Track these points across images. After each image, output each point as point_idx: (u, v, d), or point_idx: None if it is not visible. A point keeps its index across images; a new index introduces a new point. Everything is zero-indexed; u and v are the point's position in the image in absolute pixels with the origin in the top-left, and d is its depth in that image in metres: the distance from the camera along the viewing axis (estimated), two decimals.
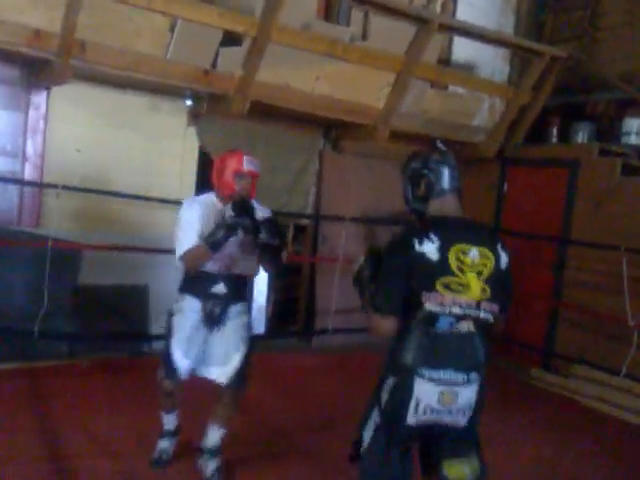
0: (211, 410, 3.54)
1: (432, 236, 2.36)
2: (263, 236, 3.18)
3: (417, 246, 2.35)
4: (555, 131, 6.95)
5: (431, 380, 2.32)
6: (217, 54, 5.38)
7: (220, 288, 3.36)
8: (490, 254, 2.42)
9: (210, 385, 3.46)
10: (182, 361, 3.37)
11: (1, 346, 4.94)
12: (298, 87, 5.71)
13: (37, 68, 5.05)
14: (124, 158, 5.69)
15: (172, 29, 5.15)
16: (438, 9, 6.94)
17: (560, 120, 6.93)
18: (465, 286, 2.35)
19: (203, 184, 6.24)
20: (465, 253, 2.37)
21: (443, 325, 2.34)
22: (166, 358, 3.41)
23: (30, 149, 5.33)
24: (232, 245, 3.28)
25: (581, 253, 6.20)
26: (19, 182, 5.32)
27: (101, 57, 4.85)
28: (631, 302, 5.43)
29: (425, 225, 2.44)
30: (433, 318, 2.34)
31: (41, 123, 5.34)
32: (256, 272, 3.56)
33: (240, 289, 3.48)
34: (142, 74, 5.09)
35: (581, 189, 6.31)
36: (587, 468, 4.20)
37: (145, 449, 3.77)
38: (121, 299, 5.64)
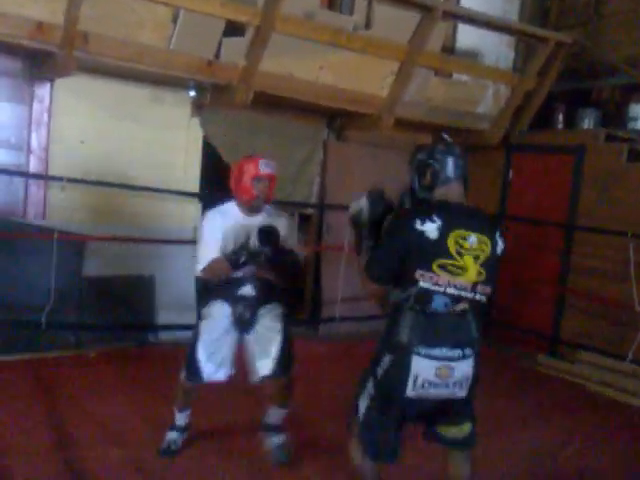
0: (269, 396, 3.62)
1: (434, 217, 2.47)
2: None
3: (418, 225, 2.46)
4: (561, 117, 6.91)
5: (428, 357, 2.47)
6: (220, 44, 5.35)
7: (248, 290, 3.41)
8: (488, 240, 2.55)
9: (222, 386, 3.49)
10: (205, 365, 3.40)
11: (9, 338, 4.98)
12: (302, 77, 5.69)
13: (40, 60, 5.05)
14: (128, 150, 5.69)
15: (175, 20, 5.12)
16: None
17: (565, 106, 6.90)
18: (462, 269, 2.48)
19: (207, 175, 6.27)
20: (464, 238, 2.49)
21: (438, 304, 2.48)
22: (190, 361, 3.44)
23: (34, 142, 5.34)
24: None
25: (587, 239, 6.18)
26: (24, 175, 5.34)
27: (104, 49, 4.85)
28: (638, 288, 5.44)
29: (429, 207, 2.55)
30: (427, 296, 2.47)
31: (45, 116, 5.35)
32: None
33: (269, 290, 3.50)
34: (145, 65, 5.08)
35: (587, 175, 6.28)
36: (593, 453, 4.20)
37: (153, 438, 3.80)
38: (127, 290, 5.66)
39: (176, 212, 6.05)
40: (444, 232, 2.46)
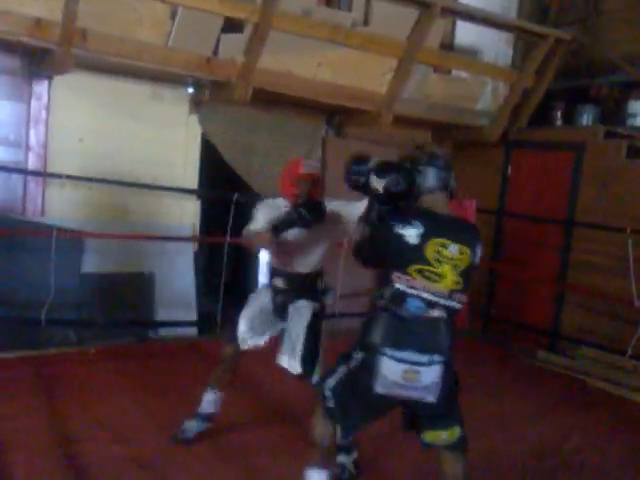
0: None
1: (415, 223, 2.56)
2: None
3: (397, 228, 2.56)
4: (560, 114, 6.91)
5: (395, 359, 2.53)
6: (218, 41, 5.35)
7: (279, 282, 3.62)
8: (468, 251, 2.62)
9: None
10: (244, 330, 3.62)
11: (9, 334, 4.98)
12: (300, 74, 5.69)
13: (38, 58, 5.05)
14: (127, 147, 5.69)
15: (173, 17, 5.13)
16: None
17: (565, 103, 6.90)
18: (440, 276, 2.55)
19: (206, 172, 6.27)
20: (445, 247, 2.56)
21: (411, 307, 2.55)
22: (232, 325, 3.68)
23: (33, 139, 5.34)
24: (290, 242, 3.48)
25: (587, 235, 6.18)
26: (23, 172, 5.34)
27: (102, 46, 4.85)
28: (637, 283, 5.44)
29: (410, 213, 2.63)
30: (401, 298, 2.55)
31: (43, 113, 5.35)
32: (316, 269, 3.67)
33: (301, 286, 3.61)
34: (143, 62, 5.08)
35: (586, 172, 6.28)
36: (594, 448, 4.20)
37: (154, 434, 3.81)
38: (127, 287, 5.66)
39: (175, 209, 6.05)
40: (424, 239, 2.54)
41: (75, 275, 5.35)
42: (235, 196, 5.84)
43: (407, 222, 2.57)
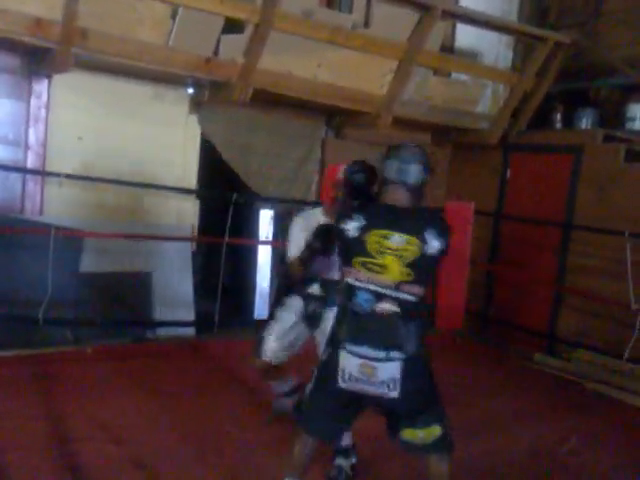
0: None
1: (357, 216, 2.61)
2: None
3: (341, 224, 2.64)
4: (559, 117, 6.91)
5: (352, 353, 2.58)
6: (219, 42, 5.35)
7: (315, 289, 3.60)
8: (415, 240, 2.57)
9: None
10: (277, 349, 3.67)
11: (6, 333, 4.98)
12: (300, 75, 5.68)
13: (38, 57, 5.06)
14: (126, 146, 5.69)
15: (174, 17, 5.12)
16: None
17: (564, 106, 6.90)
18: (383, 267, 2.55)
19: (205, 172, 6.27)
20: (387, 238, 2.56)
21: (360, 300, 2.57)
22: (259, 339, 3.73)
23: (32, 138, 5.34)
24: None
25: (584, 238, 6.18)
26: (22, 170, 5.34)
27: (102, 45, 4.84)
28: (634, 287, 5.44)
29: (355, 207, 2.71)
30: (351, 291, 2.60)
31: (43, 112, 5.35)
32: None
33: (335, 293, 3.60)
34: (143, 62, 5.08)
35: (585, 175, 6.29)
36: (590, 450, 4.21)
37: (151, 434, 3.81)
38: (125, 286, 5.67)
39: (174, 209, 6.05)
40: (364, 231, 2.57)
41: (73, 274, 5.34)
42: (234, 196, 5.84)
43: (349, 216, 2.62)
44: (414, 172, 2.65)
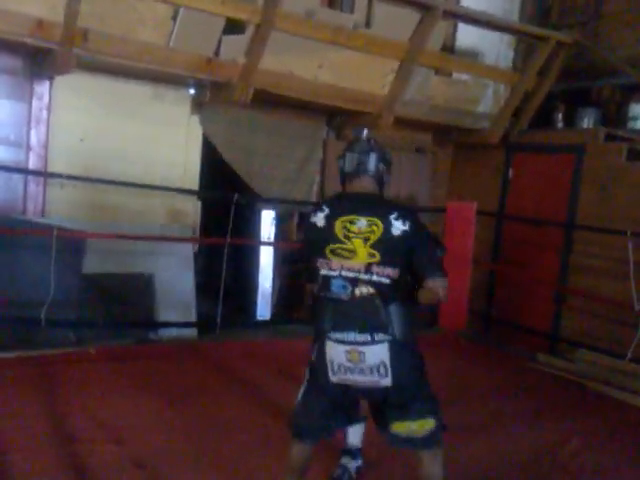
0: None
1: (324, 207, 2.72)
2: None
3: (312, 217, 2.72)
4: (560, 117, 6.91)
5: (337, 341, 2.59)
6: (220, 42, 5.36)
7: None
8: (379, 222, 2.62)
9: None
10: None
11: (9, 334, 4.98)
12: (301, 75, 5.69)
13: (40, 58, 5.06)
14: (128, 147, 5.69)
15: (175, 17, 5.13)
16: None
17: (565, 106, 6.90)
18: (351, 251, 2.59)
19: (207, 173, 6.27)
20: (352, 222, 2.63)
21: (336, 287, 2.59)
22: None
23: (34, 139, 5.35)
24: None
25: (587, 238, 6.18)
26: (24, 171, 5.35)
27: (104, 46, 4.86)
28: (637, 287, 5.43)
29: (325, 199, 2.79)
30: (326, 281, 2.62)
31: (44, 113, 5.35)
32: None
33: None
34: (145, 63, 5.10)
35: (587, 174, 6.28)
36: (593, 451, 4.19)
37: (153, 435, 3.80)
38: (127, 287, 5.66)
39: (176, 210, 6.05)
40: (331, 219, 2.64)
41: (75, 275, 5.34)
42: (235, 197, 5.84)
43: (318, 209, 2.72)
44: (371, 161, 2.77)
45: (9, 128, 5.29)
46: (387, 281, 2.58)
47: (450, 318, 6.35)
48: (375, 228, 2.59)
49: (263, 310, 6.97)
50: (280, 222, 6.91)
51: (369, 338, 2.56)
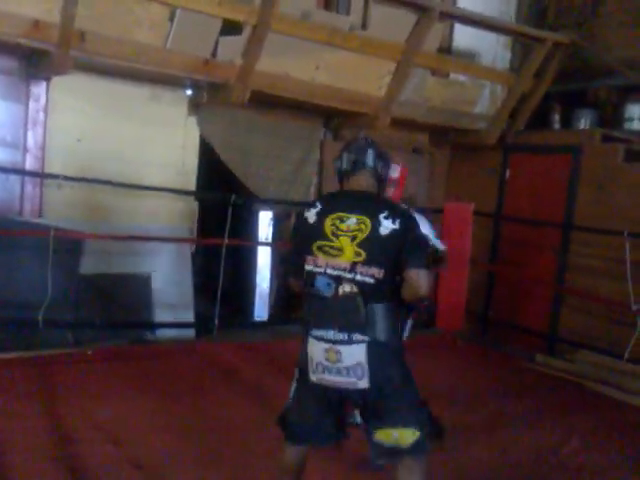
0: None
1: (317, 204, 2.70)
2: None
3: (305, 213, 2.69)
4: (557, 117, 6.93)
5: (317, 338, 2.56)
6: (217, 43, 5.36)
7: None
8: (367, 221, 2.56)
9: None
10: None
11: (6, 335, 4.97)
12: (298, 76, 5.70)
13: (36, 59, 5.06)
14: (125, 148, 5.69)
15: (172, 18, 5.13)
16: None
17: (562, 107, 6.92)
18: (339, 250, 2.55)
19: (204, 173, 6.27)
20: (342, 220, 2.58)
21: (320, 285, 2.55)
22: None
23: (31, 140, 5.34)
24: None
25: (584, 238, 6.19)
26: (20, 172, 5.34)
27: (101, 47, 4.86)
28: (634, 287, 5.43)
29: (320, 196, 2.67)
30: (311, 278, 2.59)
31: (41, 114, 5.35)
32: None
33: None
34: (142, 64, 5.10)
35: (584, 175, 6.29)
36: (592, 450, 4.19)
37: (151, 435, 3.80)
38: (124, 288, 5.66)
39: (173, 210, 6.05)
40: (322, 215, 2.61)
41: (73, 276, 5.34)
42: (233, 198, 5.84)
43: (311, 205, 2.70)
44: (369, 157, 2.73)
45: (6, 129, 5.29)
46: (371, 281, 2.51)
47: (448, 319, 6.36)
48: (363, 226, 2.54)
49: (261, 311, 6.98)
50: (277, 223, 6.92)
51: (346, 337, 2.50)
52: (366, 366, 2.49)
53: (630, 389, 5.30)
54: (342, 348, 2.50)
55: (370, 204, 2.64)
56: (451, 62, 6.68)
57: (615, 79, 6.65)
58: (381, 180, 2.77)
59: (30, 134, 5.34)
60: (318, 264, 2.57)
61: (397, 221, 2.55)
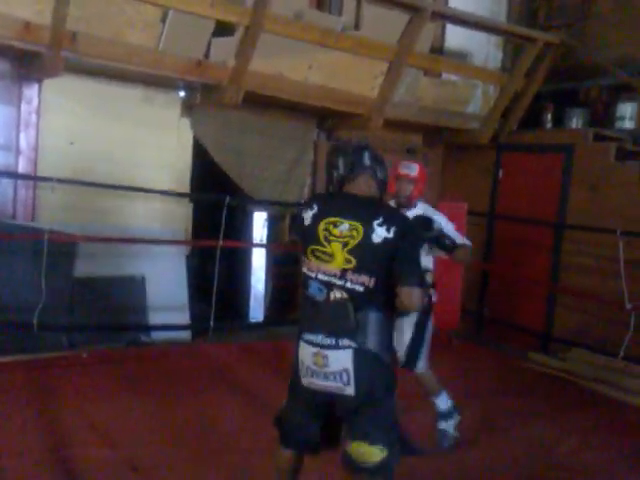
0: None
1: (314, 205, 2.66)
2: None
3: (303, 212, 2.68)
4: (549, 117, 6.95)
5: (306, 342, 2.55)
6: (210, 44, 5.37)
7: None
8: (360, 227, 2.50)
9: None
10: (423, 357, 4.03)
11: (1, 339, 4.94)
12: (291, 77, 5.70)
13: (28, 61, 5.04)
14: (118, 150, 5.68)
15: (164, 20, 5.14)
16: None
17: (554, 106, 6.94)
18: (330, 255, 2.52)
19: (198, 175, 6.26)
20: (335, 225, 2.55)
21: (313, 289, 2.55)
22: (419, 351, 3.99)
23: (23, 142, 5.32)
24: None
25: (577, 237, 6.22)
26: (13, 175, 5.32)
27: (92, 49, 4.84)
28: (627, 285, 5.45)
29: (315, 195, 2.72)
30: (306, 281, 2.59)
31: (33, 116, 5.33)
32: (425, 264, 3.76)
33: None
34: (134, 65, 5.09)
35: (576, 174, 6.32)
36: (587, 449, 4.21)
37: (146, 437, 3.78)
38: (118, 290, 5.64)
39: (167, 212, 6.04)
40: (317, 219, 2.58)
41: (67, 279, 5.32)
42: (227, 199, 5.83)
43: (310, 205, 2.66)
44: (365, 161, 2.67)
45: None
46: (361, 289, 2.47)
47: (442, 318, 6.34)
48: (355, 233, 2.49)
49: (256, 312, 6.97)
50: (272, 224, 6.91)
51: (334, 342, 2.48)
52: (352, 373, 2.46)
53: (625, 387, 5.32)
54: (329, 353, 2.48)
55: (366, 210, 2.57)
56: (443, 62, 6.70)
57: (606, 79, 6.68)
58: (380, 182, 2.69)
59: (22, 136, 5.32)
60: (311, 268, 2.56)
61: (392, 229, 2.49)
